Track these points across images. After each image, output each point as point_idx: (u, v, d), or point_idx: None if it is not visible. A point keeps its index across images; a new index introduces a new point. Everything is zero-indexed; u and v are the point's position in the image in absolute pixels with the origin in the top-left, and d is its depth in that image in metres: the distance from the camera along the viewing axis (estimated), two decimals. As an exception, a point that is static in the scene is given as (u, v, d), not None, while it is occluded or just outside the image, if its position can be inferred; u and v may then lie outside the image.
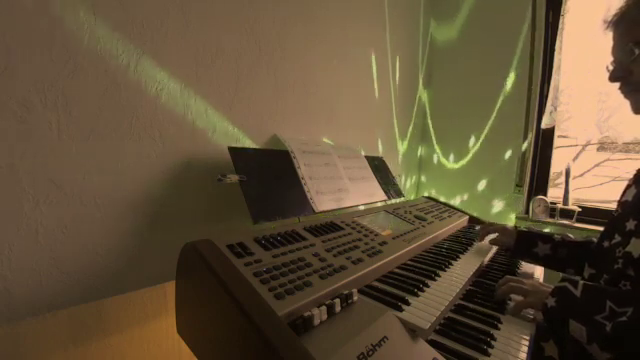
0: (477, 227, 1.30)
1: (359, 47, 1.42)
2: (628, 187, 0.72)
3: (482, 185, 1.82)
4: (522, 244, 0.93)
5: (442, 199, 1.60)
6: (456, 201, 1.92)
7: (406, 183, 1.95)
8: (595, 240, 0.82)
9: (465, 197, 1.89)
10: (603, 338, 0.52)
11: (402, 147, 1.86)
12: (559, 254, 0.87)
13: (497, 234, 1.02)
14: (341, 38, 1.31)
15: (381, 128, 1.65)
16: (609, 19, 0.65)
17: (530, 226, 1.39)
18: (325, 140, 1.29)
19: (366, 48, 1.47)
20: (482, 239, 1.07)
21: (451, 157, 1.94)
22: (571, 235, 0.90)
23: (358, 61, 1.43)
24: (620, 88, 0.67)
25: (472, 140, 1.85)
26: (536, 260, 0.91)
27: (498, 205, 1.77)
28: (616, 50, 0.65)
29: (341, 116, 1.37)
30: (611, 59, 0.67)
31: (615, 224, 0.69)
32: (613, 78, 0.66)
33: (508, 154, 1.72)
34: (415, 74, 1.91)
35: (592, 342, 0.53)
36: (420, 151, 2.07)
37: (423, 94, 2.01)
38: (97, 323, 0.72)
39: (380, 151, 1.66)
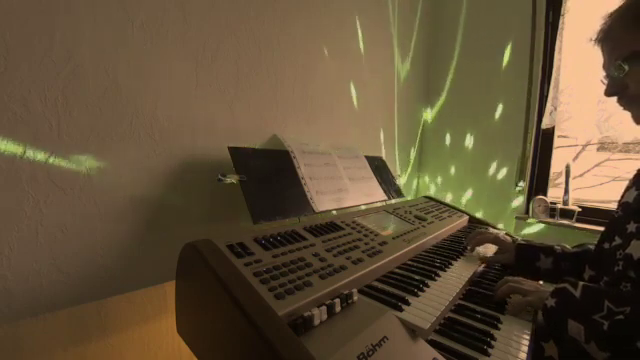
0: (480, 229, 1.28)
1: (360, 46, 1.42)
2: (628, 188, 0.72)
3: (482, 185, 1.82)
4: (523, 259, 0.88)
5: (442, 199, 1.60)
6: (456, 201, 1.92)
7: (407, 183, 1.95)
8: (591, 247, 0.80)
9: (465, 197, 1.89)
10: (601, 337, 0.52)
11: (400, 149, 1.86)
12: (561, 267, 0.83)
13: (486, 245, 0.95)
14: (342, 37, 1.31)
15: (382, 128, 1.65)
16: (594, 37, 0.66)
17: (528, 239, 1.35)
18: (325, 140, 1.29)
19: (368, 48, 1.47)
20: (472, 250, 0.97)
21: (452, 157, 1.94)
22: (567, 246, 0.88)
23: (359, 61, 1.43)
24: (618, 102, 0.67)
25: (472, 140, 1.86)
26: (536, 275, 0.86)
27: (498, 205, 1.77)
28: (607, 66, 0.66)
29: (341, 116, 1.37)
30: (603, 73, 0.67)
31: (615, 226, 0.69)
32: (609, 93, 0.66)
33: (508, 154, 1.72)
34: (418, 72, 1.91)
35: (590, 341, 0.53)
36: (419, 152, 2.06)
37: (427, 92, 2.01)
38: (97, 323, 0.72)
39: (381, 151, 1.66)
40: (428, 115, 2.04)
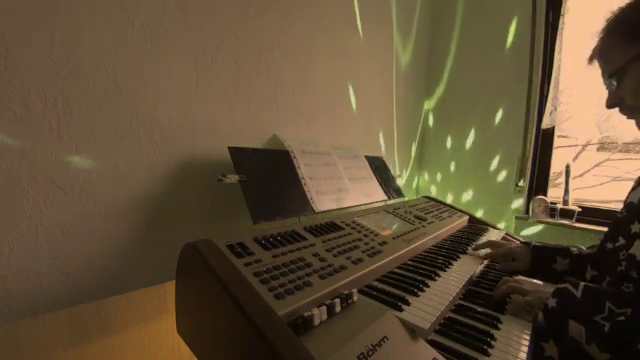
0: (483, 239, 1.19)
1: (360, 47, 1.42)
2: (634, 189, 0.72)
3: (482, 184, 1.82)
4: (540, 261, 0.86)
5: (442, 198, 1.60)
6: (455, 200, 1.92)
7: (409, 183, 1.95)
8: None
9: (465, 197, 1.89)
10: (602, 338, 0.52)
11: (400, 148, 1.86)
12: (579, 268, 0.81)
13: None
14: (342, 38, 1.31)
15: (382, 128, 1.65)
16: (589, 55, 0.70)
17: (528, 239, 1.32)
18: (325, 140, 1.29)
19: (367, 47, 1.47)
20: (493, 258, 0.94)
21: (452, 157, 1.94)
22: (583, 247, 0.86)
23: (359, 60, 1.43)
24: (620, 112, 0.69)
25: (472, 139, 1.86)
26: (553, 277, 0.83)
27: (498, 205, 1.77)
28: (603, 81, 0.68)
29: (341, 116, 1.37)
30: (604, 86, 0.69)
31: (619, 226, 0.69)
32: (609, 105, 0.69)
33: (508, 154, 1.72)
34: (419, 72, 1.91)
35: (591, 342, 0.53)
36: (419, 151, 2.06)
37: (427, 93, 2.01)
38: (97, 323, 0.72)
39: (382, 151, 1.66)
40: (428, 116, 2.04)
